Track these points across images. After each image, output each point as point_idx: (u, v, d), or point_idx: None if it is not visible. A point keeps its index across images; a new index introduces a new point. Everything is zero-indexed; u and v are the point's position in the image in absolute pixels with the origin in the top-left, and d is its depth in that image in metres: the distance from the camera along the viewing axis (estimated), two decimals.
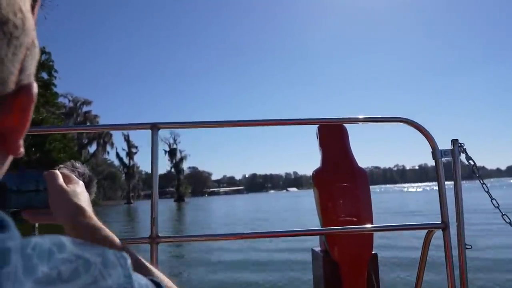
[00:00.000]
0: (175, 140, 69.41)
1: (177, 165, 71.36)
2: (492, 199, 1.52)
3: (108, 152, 60.36)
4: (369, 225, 1.86)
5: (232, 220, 21.54)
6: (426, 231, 1.70)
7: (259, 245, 9.87)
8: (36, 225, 0.84)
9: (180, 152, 71.61)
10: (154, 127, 1.55)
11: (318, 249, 2.12)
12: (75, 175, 0.78)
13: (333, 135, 2.13)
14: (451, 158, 1.68)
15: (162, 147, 69.95)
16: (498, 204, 1.50)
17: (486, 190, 1.53)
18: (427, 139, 1.68)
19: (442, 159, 1.67)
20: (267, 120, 1.77)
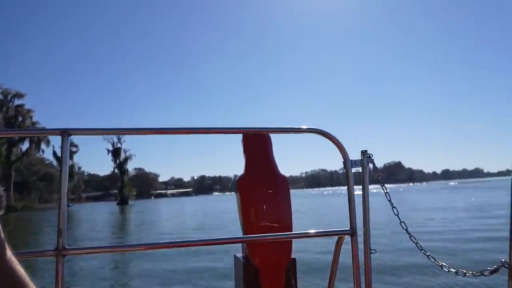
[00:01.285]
0: (119, 139, 66.37)
1: (121, 166, 68.40)
2: (393, 207, 1.63)
3: (43, 151, 56.25)
4: (285, 232, 1.93)
5: (170, 226, 20.85)
6: (337, 236, 1.79)
7: (182, 253, 9.71)
8: None
9: (125, 151, 68.77)
10: (65, 133, 1.49)
11: (240, 255, 2.14)
12: None
13: (256, 143, 2.18)
14: (361, 167, 1.79)
15: (105, 146, 67.07)
16: (398, 212, 1.62)
17: (388, 199, 1.64)
18: (339, 149, 1.77)
19: (352, 168, 1.78)
20: (190, 128, 1.75)
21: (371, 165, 1.77)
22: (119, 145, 67.36)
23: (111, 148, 67.12)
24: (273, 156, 2.18)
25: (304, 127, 1.82)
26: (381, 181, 1.66)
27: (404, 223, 1.61)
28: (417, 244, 1.57)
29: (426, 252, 1.56)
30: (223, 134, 1.84)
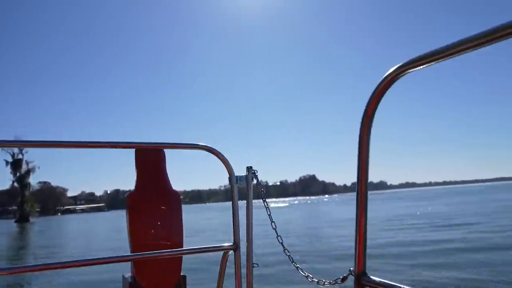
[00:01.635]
0: (20, 150, 59.79)
1: (21, 179, 61.57)
2: (272, 221, 1.72)
3: None
4: (175, 249, 1.91)
5: (71, 246, 19.16)
6: (223, 252, 1.83)
7: (71, 273, 9.15)
8: None
9: (27, 163, 62.20)
10: None
11: (128, 275, 2.06)
12: None
13: (149, 159, 2.14)
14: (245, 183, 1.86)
15: (4, 157, 60.08)
16: (276, 226, 1.71)
17: (269, 213, 1.73)
18: (225, 165, 1.82)
19: (237, 183, 1.84)
20: (81, 142, 1.67)
21: (255, 181, 1.85)
22: (20, 156, 60.79)
23: (10, 159, 60.31)
24: (166, 172, 2.16)
25: (193, 143, 1.85)
26: (262, 196, 1.74)
27: (281, 237, 1.71)
28: (290, 257, 1.68)
29: (296, 264, 1.68)
30: (115, 149, 1.79)
